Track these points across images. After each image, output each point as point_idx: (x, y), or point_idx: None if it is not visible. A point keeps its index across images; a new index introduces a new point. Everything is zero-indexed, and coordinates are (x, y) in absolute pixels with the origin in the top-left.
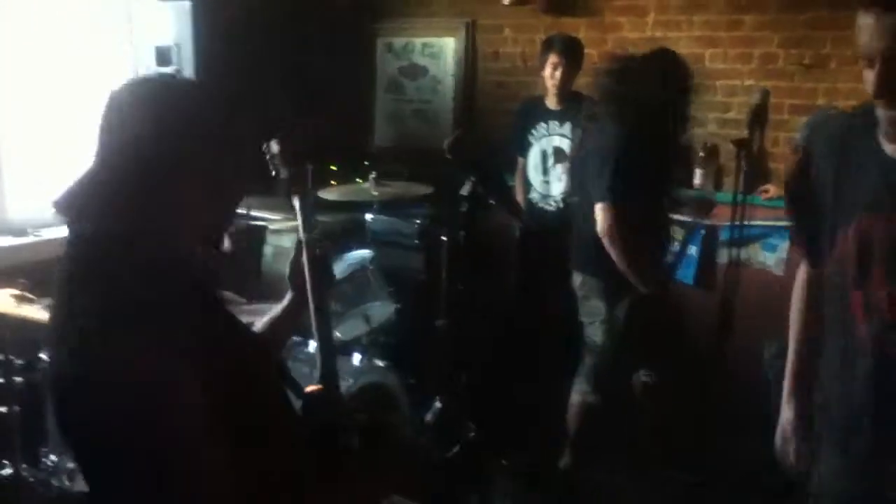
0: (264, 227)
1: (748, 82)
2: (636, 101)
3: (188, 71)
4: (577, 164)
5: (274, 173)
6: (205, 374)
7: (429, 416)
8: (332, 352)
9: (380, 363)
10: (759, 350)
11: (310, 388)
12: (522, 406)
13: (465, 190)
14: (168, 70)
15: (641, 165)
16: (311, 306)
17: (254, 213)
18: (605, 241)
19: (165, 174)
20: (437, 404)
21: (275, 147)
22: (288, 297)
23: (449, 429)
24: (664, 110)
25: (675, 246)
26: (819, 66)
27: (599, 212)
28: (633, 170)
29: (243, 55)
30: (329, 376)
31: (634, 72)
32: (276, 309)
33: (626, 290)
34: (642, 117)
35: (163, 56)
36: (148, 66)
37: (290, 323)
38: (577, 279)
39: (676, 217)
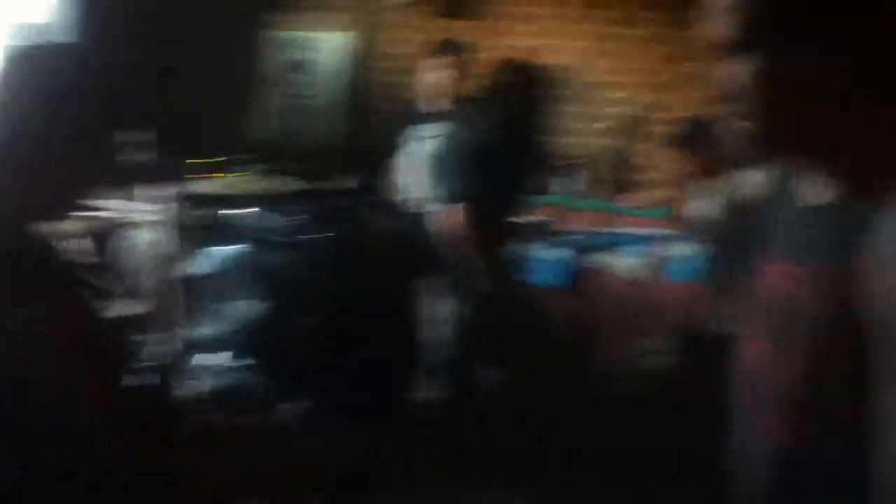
0: (121, 220)
1: (626, 95)
2: (494, 108)
3: None
4: (436, 165)
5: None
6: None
7: (297, 416)
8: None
9: (246, 362)
10: (624, 351)
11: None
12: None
13: (349, 185)
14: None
15: (495, 169)
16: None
17: (111, 204)
18: (454, 241)
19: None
20: (303, 405)
21: (140, 137)
22: None
23: (316, 430)
24: (519, 117)
25: (532, 248)
26: (690, 83)
27: (451, 212)
28: (486, 173)
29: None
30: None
31: (492, 80)
32: None
33: (472, 288)
34: (497, 123)
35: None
36: None
37: None
38: (426, 279)
39: (537, 220)
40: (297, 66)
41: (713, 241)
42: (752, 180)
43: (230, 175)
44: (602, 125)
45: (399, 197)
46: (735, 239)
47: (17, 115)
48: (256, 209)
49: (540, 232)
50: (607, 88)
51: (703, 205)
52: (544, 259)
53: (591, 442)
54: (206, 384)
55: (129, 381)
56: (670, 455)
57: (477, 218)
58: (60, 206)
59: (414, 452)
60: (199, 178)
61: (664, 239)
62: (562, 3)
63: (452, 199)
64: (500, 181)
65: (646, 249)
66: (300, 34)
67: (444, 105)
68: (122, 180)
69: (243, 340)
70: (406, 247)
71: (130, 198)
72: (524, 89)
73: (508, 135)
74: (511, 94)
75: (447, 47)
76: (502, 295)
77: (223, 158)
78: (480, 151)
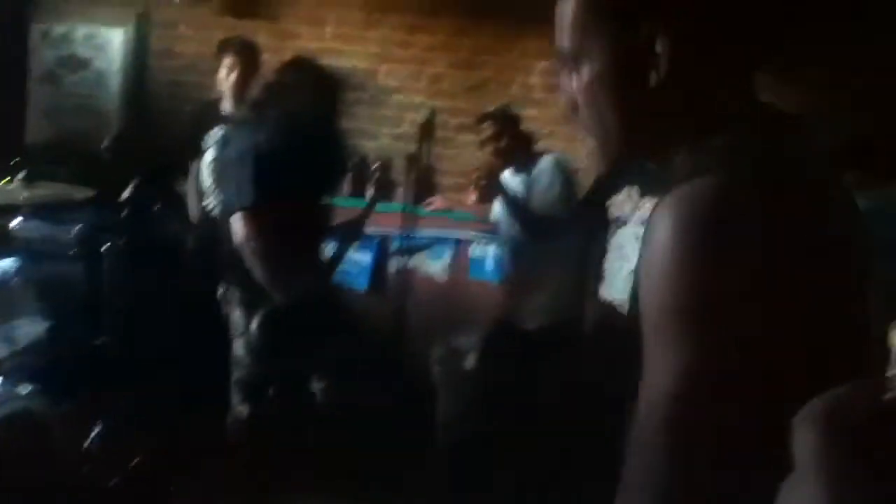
0: None
1: (418, 100)
2: (277, 109)
3: None
4: (220, 170)
5: None
6: None
7: (89, 443)
8: None
9: (26, 388)
10: (427, 352)
11: None
12: (196, 422)
13: (126, 193)
14: None
15: (284, 174)
16: None
17: None
18: (244, 250)
19: None
20: (98, 429)
21: None
22: None
23: (114, 454)
24: (306, 120)
25: (336, 252)
26: (480, 88)
27: (235, 221)
28: (276, 178)
29: None
30: None
31: (276, 81)
32: None
33: (260, 300)
34: (282, 126)
35: None
36: None
37: None
38: (220, 290)
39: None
40: (72, 63)
41: (507, 242)
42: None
43: None
44: (399, 129)
45: (188, 202)
46: (525, 238)
47: None
48: (29, 218)
49: (343, 235)
50: (401, 93)
51: (498, 206)
52: (347, 262)
53: (403, 445)
54: None
55: None
56: (479, 449)
57: (270, 223)
58: None
59: (221, 469)
60: None
61: (467, 240)
62: (350, 8)
63: (241, 205)
64: (294, 185)
65: (449, 250)
66: (75, 28)
67: (230, 106)
68: None
69: (24, 364)
70: (198, 256)
71: None
72: (313, 89)
73: (298, 137)
74: (299, 95)
75: (229, 46)
76: (305, 301)
77: None
78: (268, 154)
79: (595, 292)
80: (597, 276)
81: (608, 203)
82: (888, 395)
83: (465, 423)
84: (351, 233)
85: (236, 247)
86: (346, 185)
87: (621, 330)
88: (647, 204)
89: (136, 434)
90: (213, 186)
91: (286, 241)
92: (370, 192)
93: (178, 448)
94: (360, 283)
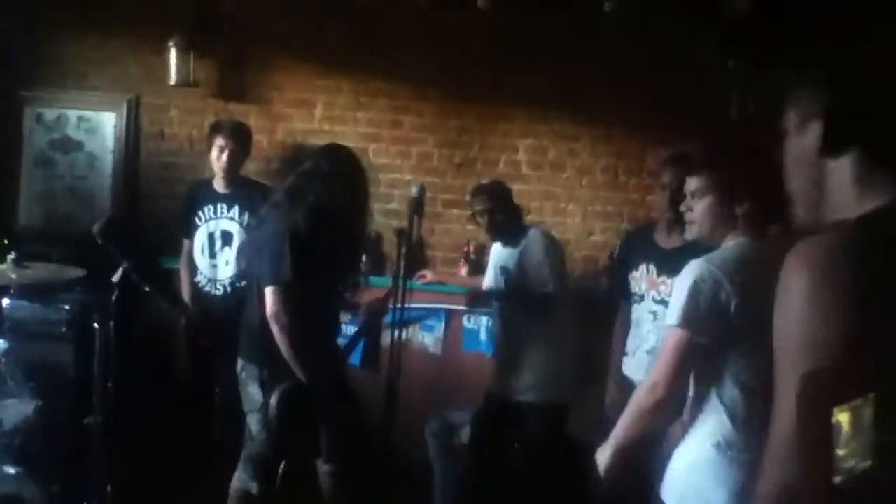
0: None
1: (408, 177)
2: (313, 193)
3: None
4: (249, 248)
5: None
6: None
7: None
8: None
9: (12, 470)
10: (422, 426)
11: None
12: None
13: (116, 276)
14: None
15: (316, 254)
16: None
17: None
18: (272, 326)
19: None
20: None
21: None
22: None
23: None
24: (342, 204)
25: (350, 330)
26: (468, 165)
27: (269, 295)
28: (307, 258)
29: None
30: None
31: (311, 165)
32: None
33: (282, 377)
34: (319, 209)
35: None
36: None
37: None
38: (238, 366)
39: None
40: (65, 146)
41: (496, 314)
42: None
43: None
44: (389, 205)
45: (182, 278)
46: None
47: None
48: (19, 299)
49: (369, 315)
50: (390, 171)
51: (486, 277)
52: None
53: None
54: None
55: None
56: None
57: (300, 300)
58: None
59: None
60: None
61: (459, 312)
62: (339, 91)
63: (273, 281)
64: (324, 264)
65: (441, 323)
66: (69, 112)
67: (222, 186)
68: None
69: (11, 445)
70: (208, 332)
71: None
72: (345, 175)
73: (330, 219)
74: (333, 180)
75: (221, 128)
76: (320, 384)
77: None
78: (302, 234)
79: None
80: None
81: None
82: None
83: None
84: (378, 313)
85: (261, 323)
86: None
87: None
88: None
89: None
90: (214, 262)
91: (313, 317)
92: (367, 268)
93: None
94: (353, 359)
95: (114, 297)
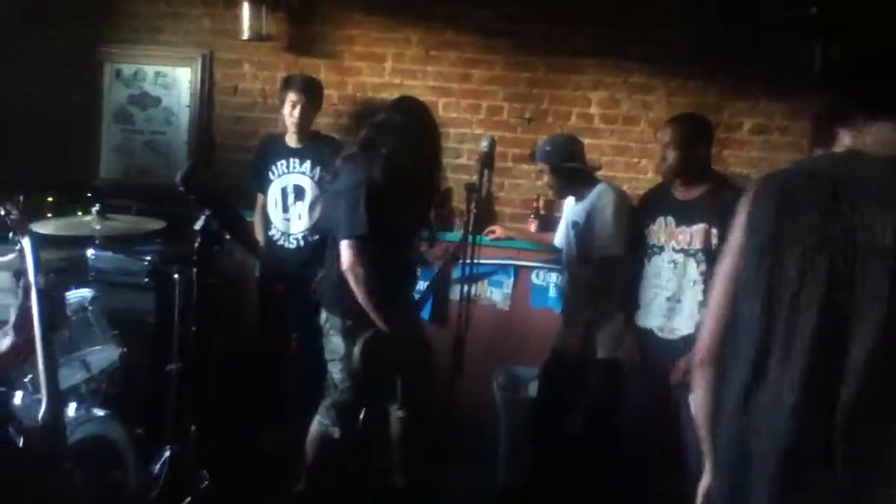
0: None
1: (477, 131)
2: (386, 146)
3: None
4: (326, 202)
5: None
6: None
7: (158, 468)
8: (58, 393)
9: (100, 413)
10: (489, 380)
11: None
12: (265, 449)
13: (198, 224)
14: None
15: (389, 207)
16: (39, 349)
17: None
18: (349, 278)
19: None
20: (167, 454)
21: None
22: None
23: (180, 480)
24: (414, 157)
25: (422, 285)
26: (538, 120)
27: (344, 249)
28: (381, 210)
29: None
30: (54, 416)
31: (384, 118)
32: None
33: (364, 327)
34: (392, 162)
35: None
36: None
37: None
38: (321, 316)
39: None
40: (143, 101)
41: (565, 269)
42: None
43: (75, 215)
44: (458, 161)
45: (267, 233)
46: (581, 265)
47: None
48: (103, 249)
49: (441, 268)
50: (459, 125)
51: (558, 232)
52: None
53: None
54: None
55: None
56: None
57: (374, 255)
58: None
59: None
60: (42, 219)
61: (527, 268)
62: (409, 44)
63: (348, 235)
64: (397, 217)
65: (509, 279)
66: (145, 68)
67: (296, 140)
68: None
69: (99, 389)
70: (282, 285)
71: None
72: (418, 128)
73: (404, 172)
74: (406, 133)
75: (293, 83)
76: (397, 333)
77: (66, 198)
78: (377, 187)
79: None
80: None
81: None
82: None
83: (525, 453)
84: (447, 266)
85: (340, 275)
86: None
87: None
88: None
89: (203, 461)
90: (288, 217)
91: (387, 269)
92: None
93: (245, 472)
94: (423, 313)
95: (196, 245)
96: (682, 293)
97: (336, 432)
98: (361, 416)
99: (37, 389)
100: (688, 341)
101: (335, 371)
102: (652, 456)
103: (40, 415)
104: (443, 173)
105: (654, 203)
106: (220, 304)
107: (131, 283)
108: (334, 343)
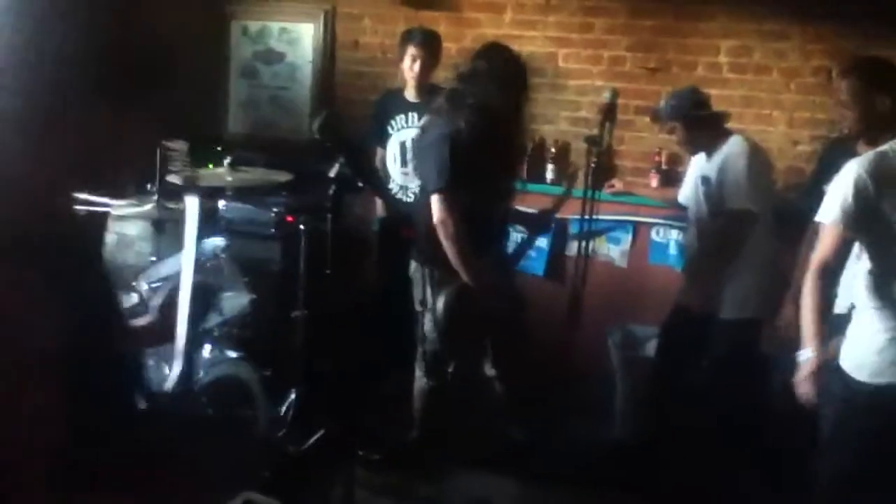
0: (106, 214)
1: (598, 82)
2: (472, 96)
3: None
4: (418, 155)
5: None
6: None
7: (284, 409)
8: (191, 367)
9: (232, 355)
10: (604, 338)
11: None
12: (381, 394)
13: (332, 172)
14: None
15: (477, 158)
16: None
17: (95, 198)
18: (439, 231)
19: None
20: (293, 396)
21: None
22: None
23: (306, 421)
24: (500, 106)
25: (519, 238)
26: (663, 70)
27: (434, 202)
28: (469, 162)
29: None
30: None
31: (469, 67)
32: None
33: (450, 280)
34: (478, 112)
35: None
36: None
37: None
38: (412, 267)
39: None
40: (268, 57)
41: (691, 225)
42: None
43: (205, 167)
44: (577, 113)
45: (380, 187)
46: (711, 221)
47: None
48: (234, 200)
49: (535, 223)
50: (580, 76)
51: (687, 189)
52: (538, 248)
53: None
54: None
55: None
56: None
57: (464, 205)
58: (55, 196)
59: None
60: (175, 171)
61: (647, 224)
62: None
63: (436, 188)
64: (486, 168)
65: (628, 235)
66: (270, 24)
67: (413, 94)
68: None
69: (231, 333)
70: (390, 237)
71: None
72: (505, 75)
73: (491, 122)
74: (492, 81)
75: (412, 37)
76: (490, 284)
77: (197, 151)
78: (464, 139)
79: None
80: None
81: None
82: None
83: (642, 415)
84: (542, 221)
85: (430, 227)
86: (528, 170)
87: None
88: None
89: (326, 404)
90: (405, 170)
91: (478, 223)
92: (552, 176)
93: (363, 418)
94: (537, 268)
95: (330, 192)
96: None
97: (427, 382)
98: (450, 368)
99: (163, 359)
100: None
101: (425, 321)
102: (779, 421)
103: (169, 383)
104: (531, 122)
105: (838, 158)
106: (349, 252)
107: (259, 234)
108: (424, 294)
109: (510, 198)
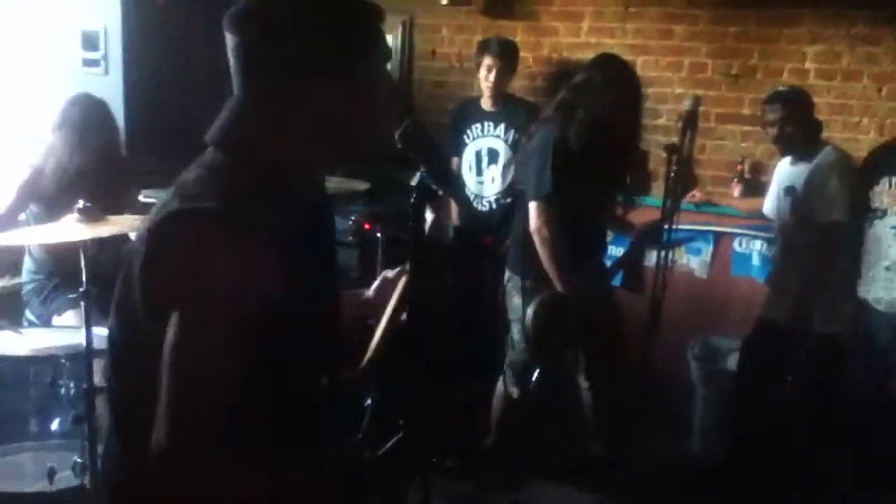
0: None
1: (678, 90)
2: (583, 107)
3: (116, 57)
4: (519, 163)
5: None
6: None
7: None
8: None
9: None
10: (684, 350)
11: None
12: (457, 402)
13: (414, 180)
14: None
15: (583, 169)
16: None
17: None
18: (535, 239)
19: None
20: (368, 402)
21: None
22: None
23: (381, 427)
24: (611, 117)
25: (616, 251)
26: (746, 77)
27: (532, 209)
28: (575, 172)
29: (176, 39)
30: None
31: (582, 78)
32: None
33: (542, 289)
34: (588, 122)
35: (89, 40)
36: (72, 51)
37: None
38: (505, 276)
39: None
40: None
41: (778, 237)
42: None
43: None
44: (656, 121)
45: (462, 196)
46: (798, 233)
47: None
48: None
49: (642, 236)
50: (659, 84)
51: (772, 200)
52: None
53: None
54: None
55: None
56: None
57: (564, 214)
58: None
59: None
60: None
61: (729, 235)
62: (607, 2)
63: (536, 196)
64: (591, 180)
65: (709, 245)
66: None
67: (491, 103)
68: None
69: None
70: (466, 245)
71: None
72: (618, 87)
73: (601, 133)
74: (605, 92)
75: (489, 47)
76: (579, 298)
77: None
78: (571, 148)
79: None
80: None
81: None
82: None
83: (723, 431)
84: (651, 234)
85: (525, 236)
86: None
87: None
88: None
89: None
90: (488, 179)
91: (577, 232)
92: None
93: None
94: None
95: (412, 200)
96: None
97: (514, 392)
98: (534, 378)
99: None
100: None
101: (514, 331)
102: (866, 438)
103: None
104: (643, 134)
105: (881, 163)
106: (426, 259)
107: (337, 242)
108: (514, 303)
109: (612, 209)
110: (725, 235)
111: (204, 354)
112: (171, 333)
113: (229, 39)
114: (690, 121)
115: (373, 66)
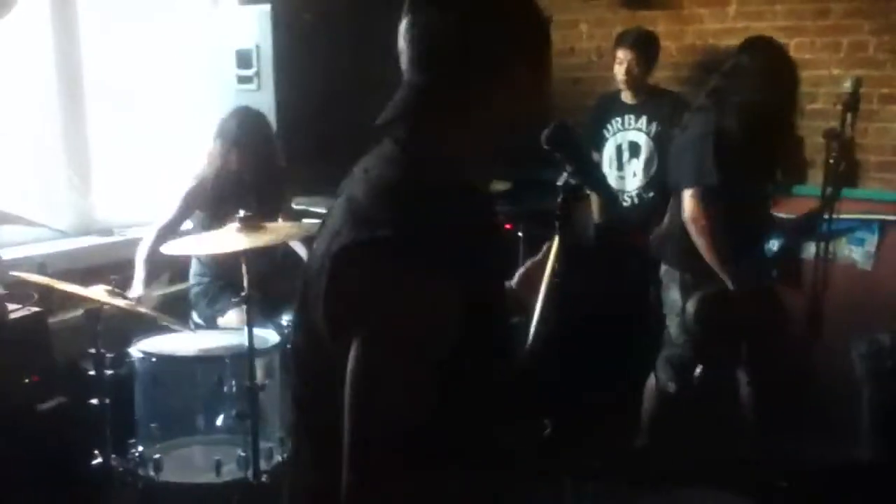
0: None
1: (836, 71)
2: (737, 94)
3: (267, 73)
4: (672, 154)
5: None
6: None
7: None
8: None
9: None
10: (847, 348)
11: None
12: (602, 402)
13: (560, 180)
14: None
15: (740, 157)
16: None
17: None
18: (690, 229)
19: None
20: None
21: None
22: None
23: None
24: (767, 103)
25: (776, 243)
26: None
27: (687, 198)
28: (731, 160)
29: (321, 53)
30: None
31: (732, 63)
32: None
33: (702, 283)
34: (744, 109)
35: (243, 59)
36: (228, 69)
37: None
38: (661, 269)
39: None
40: None
41: None
42: None
43: None
44: (812, 105)
45: (609, 194)
46: None
47: None
48: None
49: (798, 227)
50: (815, 66)
51: None
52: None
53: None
54: None
55: None
56: None
57: (721, 207)
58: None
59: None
60: None
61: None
62: None
63: (692, 183)
64: (748, 169)
65: (874, 236)
66: None
67: (631, 96)
68: None
69: None
70: (617, 242)
71: None
72: (771, 71)
73: (757, 120)
74: (758, 76)
75: (626, 39)
76: (741, 292)
77: None
78: (727, 137)
79: None
80: None
81: None
82: None
83: (890, 431)
84: (807, 225)
85: (681, 227)
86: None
87: None
88: None
89: (546, 410)
90: (632, 172)
91: (736, 223)
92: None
93: (585, 424)
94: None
95: (559, 199)
96: None
97: (671, 387)
98: (697, 373)
99: None
100: None
101: (672, 325)
102: None
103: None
104: (800, 119)
105: None
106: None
107: None
108: (671, 296)
109: (772, 200)
110: (892, 224)
111: (390, 383)
112: (352, 360)
113: (411, 22)
114: (851, 104)
115: (547, 57)
